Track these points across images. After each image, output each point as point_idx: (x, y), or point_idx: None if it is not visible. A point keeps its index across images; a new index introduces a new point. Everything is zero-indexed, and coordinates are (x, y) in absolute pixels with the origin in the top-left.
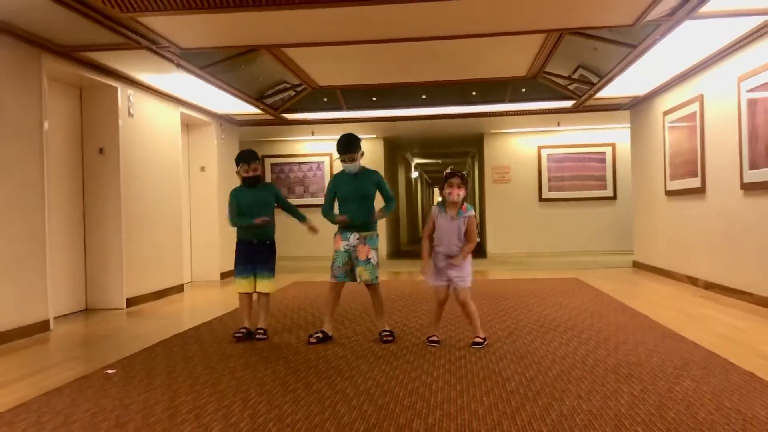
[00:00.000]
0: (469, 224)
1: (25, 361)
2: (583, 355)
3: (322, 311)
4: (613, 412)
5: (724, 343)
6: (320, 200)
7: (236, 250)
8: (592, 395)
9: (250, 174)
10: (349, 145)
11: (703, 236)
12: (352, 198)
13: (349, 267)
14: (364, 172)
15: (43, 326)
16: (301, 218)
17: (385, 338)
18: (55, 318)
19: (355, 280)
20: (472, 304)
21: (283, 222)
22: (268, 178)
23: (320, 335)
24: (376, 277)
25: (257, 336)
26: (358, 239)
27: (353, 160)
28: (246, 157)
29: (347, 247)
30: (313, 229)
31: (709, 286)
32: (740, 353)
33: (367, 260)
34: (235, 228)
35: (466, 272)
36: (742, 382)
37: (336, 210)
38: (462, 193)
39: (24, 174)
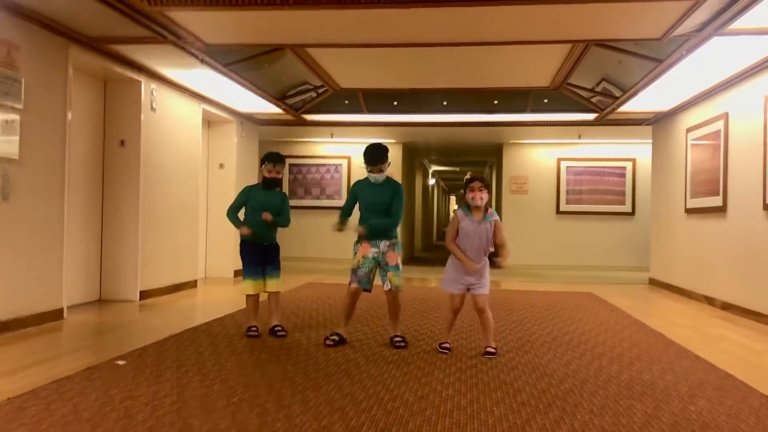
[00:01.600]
0: (497, 228)
1: (37, 348)
2: (596, 370)
3: (339, 314)
4: (625, 429)
5: (740, 364)
6: (336, 202)
7: (243, 252)
8: (604, 411)
9: (273, 175)
10: (379, 156)
11: (723, 256)
12: (374, 207)
13: (373, 275)
14: (388, 181)
15: (56, 314)
16: (285, 225)
17: (396, 344)
18: (68, 307)
19: (370, 289)
20: (489, 312)
21: (299, 223)
22: (285, 179)
23: (336, 338)
24: (402, 283)
25: (277, 333)
26: (388, 246)
27: (381, 171)
28: (273, 158)
29: (376, 254)
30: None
31: (727, 306)
32: (758, 376)
33: (397, 266)
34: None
35: (485, 279)
36: (759, 405)
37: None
38: (485, 196)
39: (45, 163)
